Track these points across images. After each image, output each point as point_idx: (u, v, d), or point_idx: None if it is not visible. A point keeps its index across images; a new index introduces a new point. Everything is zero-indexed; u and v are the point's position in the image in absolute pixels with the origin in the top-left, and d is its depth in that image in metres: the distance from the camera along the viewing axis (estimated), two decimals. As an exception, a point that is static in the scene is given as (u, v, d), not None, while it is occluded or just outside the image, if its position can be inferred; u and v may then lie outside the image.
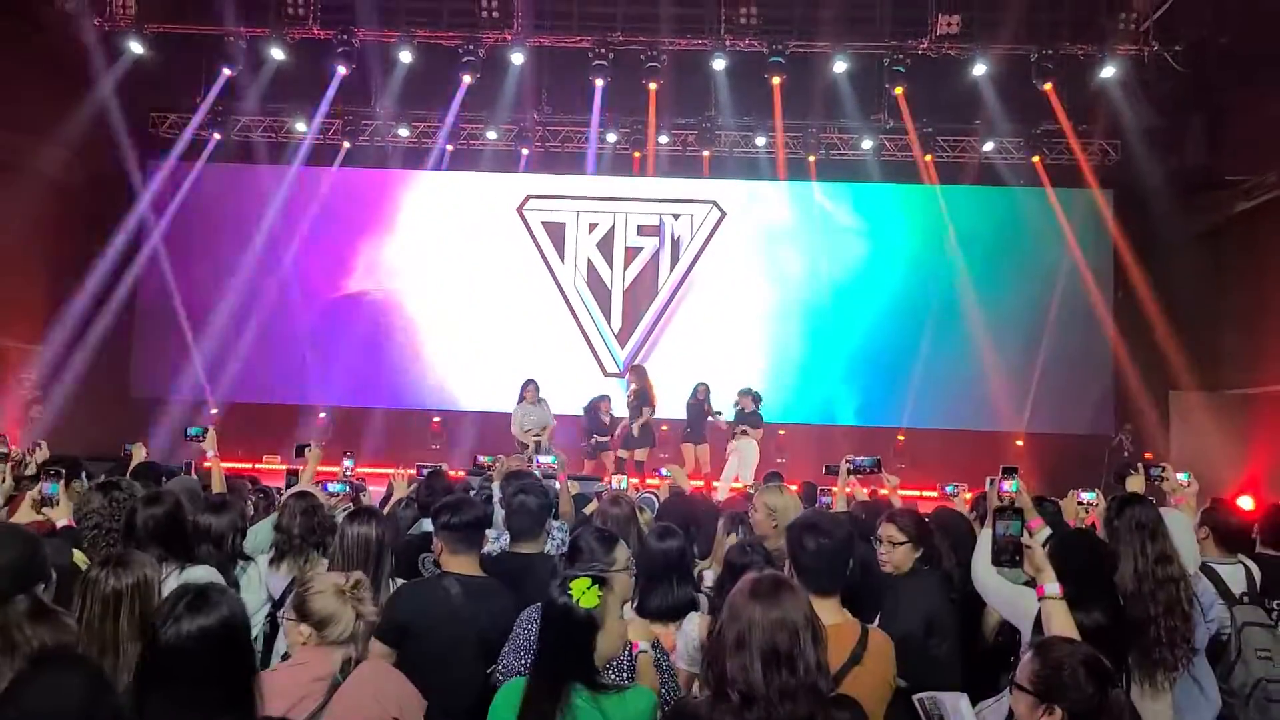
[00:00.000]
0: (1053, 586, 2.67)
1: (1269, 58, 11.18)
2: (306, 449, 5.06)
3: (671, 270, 14.68)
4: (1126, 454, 13.02)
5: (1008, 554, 2.75)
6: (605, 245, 14.73)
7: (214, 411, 14.21)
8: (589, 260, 14.76)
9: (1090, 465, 12.27)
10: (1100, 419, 13.88)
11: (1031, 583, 2.83)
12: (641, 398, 11.64)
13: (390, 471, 5.42)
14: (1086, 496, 4.40)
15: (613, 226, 14.72)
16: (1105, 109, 12.77)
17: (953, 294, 13.89)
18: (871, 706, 2.47)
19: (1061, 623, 2.59)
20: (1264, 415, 11.16)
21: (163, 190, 14.44)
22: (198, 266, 14.44)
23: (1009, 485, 3.25)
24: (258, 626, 3.81)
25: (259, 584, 3.80)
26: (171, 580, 3.29)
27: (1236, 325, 12.16)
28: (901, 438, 13.95)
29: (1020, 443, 13.69)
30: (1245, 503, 8.30)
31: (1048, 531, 3.59)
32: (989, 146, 13.83)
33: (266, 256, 14.38)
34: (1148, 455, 12.73)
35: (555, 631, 2.43)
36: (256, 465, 12.75)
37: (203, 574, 3.29)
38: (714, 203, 14.69)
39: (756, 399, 11.61)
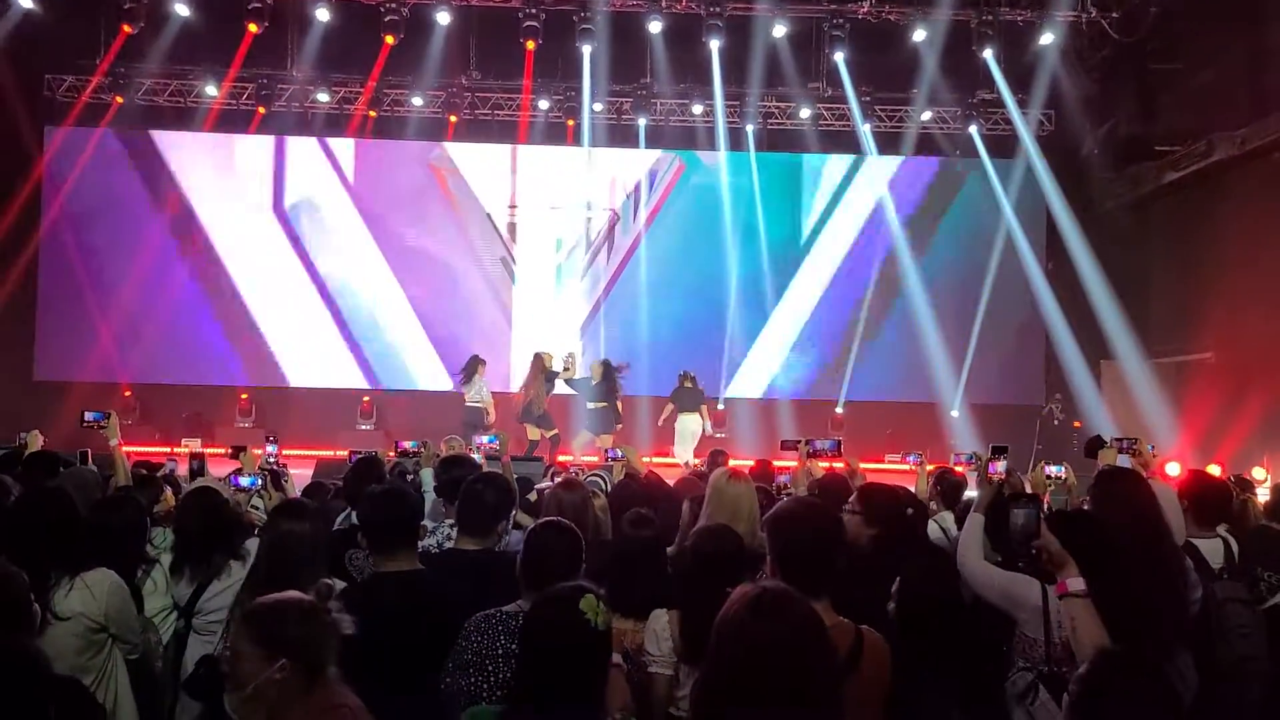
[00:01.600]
0: (1076, 582, 2.41)
1: (1201, 28, 11.27)
2: (243, 452, 4.62)
3: (608, 243, 14.32)
4: (1056, 423, 13.19)
5: (1023, 547, 2.48)
6: (545, 219, 14.27)
7: (127, 394, 13.47)
8: (527, 232, 14.30)
9: (1023, 436, 12.34)
10: (1032, 389, 14.03)
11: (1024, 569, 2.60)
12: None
13: (316, 453, 4.99)
14: (1054, 470, 4.22)
15: (552, 200, 14.26)
16: (1042, 77, 12.75)
17: (890, 265, 13.86)
18: (870, 716, 2.22)
19: (1089, 625, 2.33)
20: (1193, 383, 11.34)
21: (61, 159, 13.51)
22: (102, 240, 13.57)
23: (999, 466, 3.00)
24: (166, 631, 3.41)
25: (164, 588, 3.39)
26: (62, 590, 2.87)
27: (1166, 294, 12.33)
28: (840, 410, 13.90)
29: (955, 414, 13.77)
30: (1172, 469, 8.39)
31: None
32: (927, 116, 13.75)
33: (176, 228, 13.60)
34: (1076, 424, 12.92)
35: (555, 657, 2.00)
36: (174, 450, 12.09)
37: (99, 578, 2.88)
38: (650, 174, 14.35)
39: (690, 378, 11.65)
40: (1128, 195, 12.81)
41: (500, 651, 2.52)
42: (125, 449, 4.55)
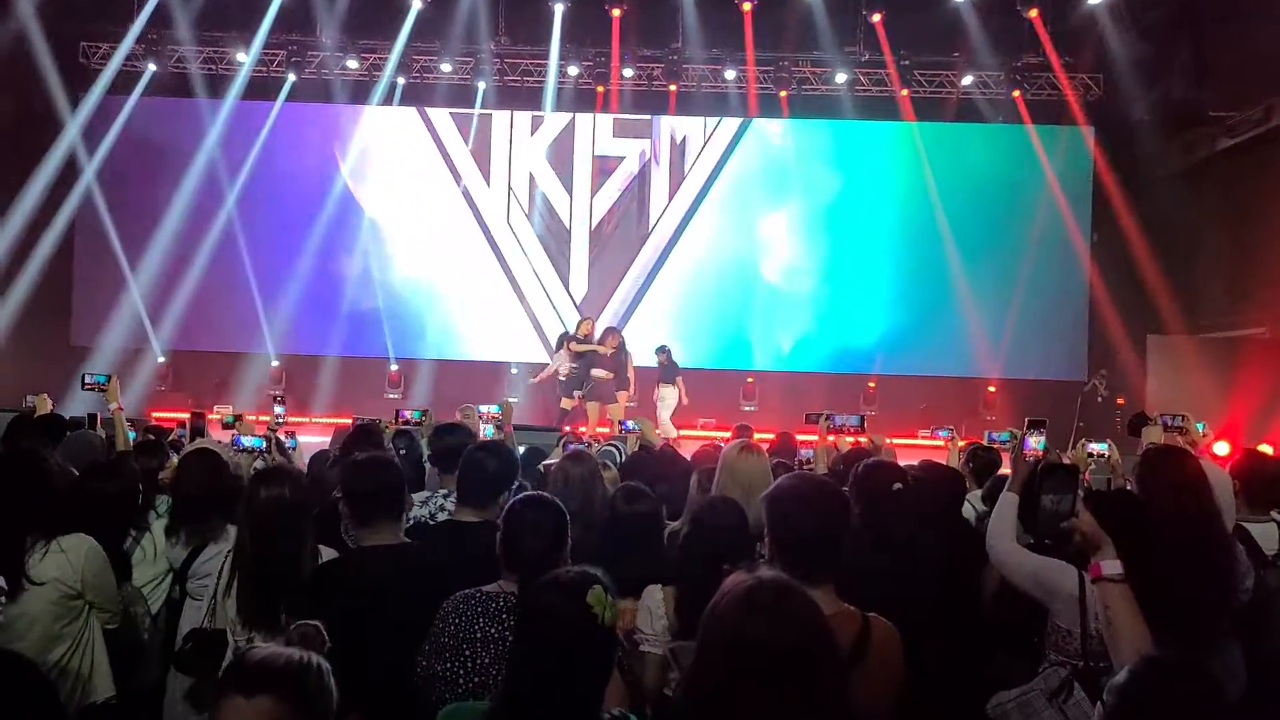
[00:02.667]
0: (1112, 565, 2.17)
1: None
2: (239, 421, 4.51)
3: (637, 212, 14.09)
4: (1100, 399, 12.81)
5: (1051, 525, 2.24)
6: (567, 185, 14.08)
7: (160, 360, 13.57)
8: (551, 201, 14.13)
9: (1063, 413, 11.99)
10: (1074, 363, 13.61)
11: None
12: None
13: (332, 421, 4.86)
14: (1097, 447, 3.95)
15: (574, 167, 14.06)
16: (1091, 39, 12.25)
17: (928, 236, 13.46)
18: (880, 709, 2.01)
19: (1125, 614, 2.11)
20: (1245, 359, 10.88)
21: (96, 126, 13.53)
22: (136, 207, 13.59)
23: (1034, 442, 2.75)
24: (157, 600, 3.31)
25: (154, 555, 3.28)
26: (37, 554, 2.77)
27: (1218, 267, 11.85)
28: (872, 384, 13.61)
29: (993, 389, 13.45)
30: (1221, 448, 8.05)
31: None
32: (968, 80, 13.28)
33: (208, 196, 13.57)
34: (1120, 401, 12.53)
35: (555, 654, 1.78)
36: (207, 417, 12.15)
37: (76, 543, 2.77)
38: (679, 142, 14.07)
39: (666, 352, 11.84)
40: (1179, 163, 12.29)
41: (479, 635, 2.34)
42: (157, 415, 4.47)
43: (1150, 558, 2.21)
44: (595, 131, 14.02)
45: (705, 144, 14.03)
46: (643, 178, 14.07)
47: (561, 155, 14.03)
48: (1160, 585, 2.20)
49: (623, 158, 14.05)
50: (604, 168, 14.08)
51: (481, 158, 14.07)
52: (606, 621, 1.80)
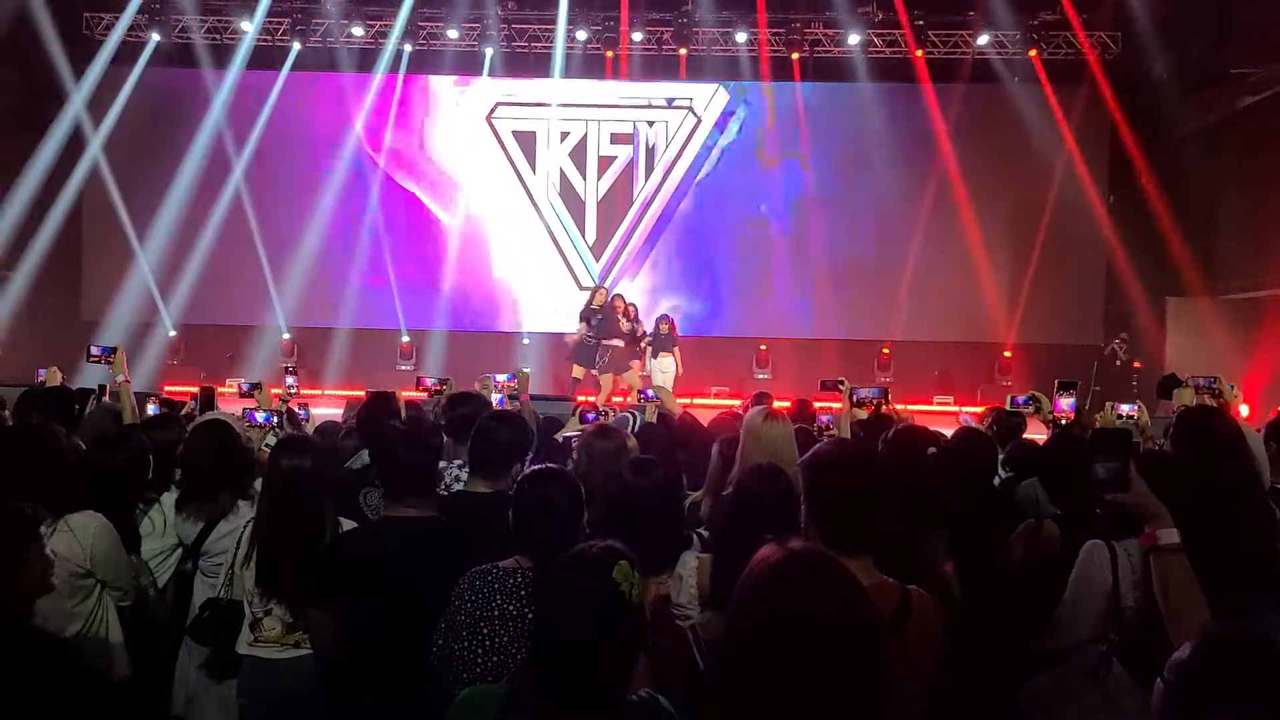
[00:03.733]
0: (1169, 534, 2.07)
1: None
2: (258, 389, 4.45)
3: (646, 179, 13.95)
4: (1119, 363, 12.68)
5: (1100, 497, 2.15)
6: (578, 154, 13.98)
7: (171, 334, 13.55)
8: (561, 170, 14.00)
9: (1079, 376, 11.84)
10: (1091, 328, 13.46)
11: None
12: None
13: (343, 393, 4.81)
14: (1126, 408, 3.84)
15: (585, 135, 13.93)
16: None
17: (943, 200, 13.26)
18: (918, 686, 1.92)
19: (1183, 585, 2.00)
20: (1266, 320, 10.74)
21: (101, 98, 13.41)
22: (143, 179, 13.50)
23: (1065, 403, 2.66)
24: (166, 573, 3.27)
25: (163, 528, 3.23)
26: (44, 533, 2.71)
27: (1238, 227, 11.65)
28: (886, 350, 13.50)
29: (1008, 354, 13.32)
30: (1241, 411, 7.93)
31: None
32: (984, 40, 13.02)
33: (215, 167, 13.46)
34: (1137, 365, 12.40)
35: (580, 634, 1.69)
36: (219, 390, 12.14)
37: (85, 521, 2.72)
38: (690, 108, 13.88)
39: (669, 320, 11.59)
40: (1199, 122, 12.05)
41: (496, 613, 2.27)
42: (169, 389, 4.41)
43: (1197, 523, 2.12)
44: (605, 98, 13.85)
45: (709, 104, 13.83)
46: (651, 143, 13.90)
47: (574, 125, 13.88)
48: (1209, 551, 2.12)
49: (633, 128, 13.88)
50: (614, 135, 13.93)
51: (492, 126, 13.92)
52: (634, 599, 1.73)
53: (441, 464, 3.47)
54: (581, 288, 13.59)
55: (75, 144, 13.13)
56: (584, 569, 1.75)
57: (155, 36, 13.17)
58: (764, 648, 1.40)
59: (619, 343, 11.10)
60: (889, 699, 1.40)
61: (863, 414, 4.62)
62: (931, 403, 12.55)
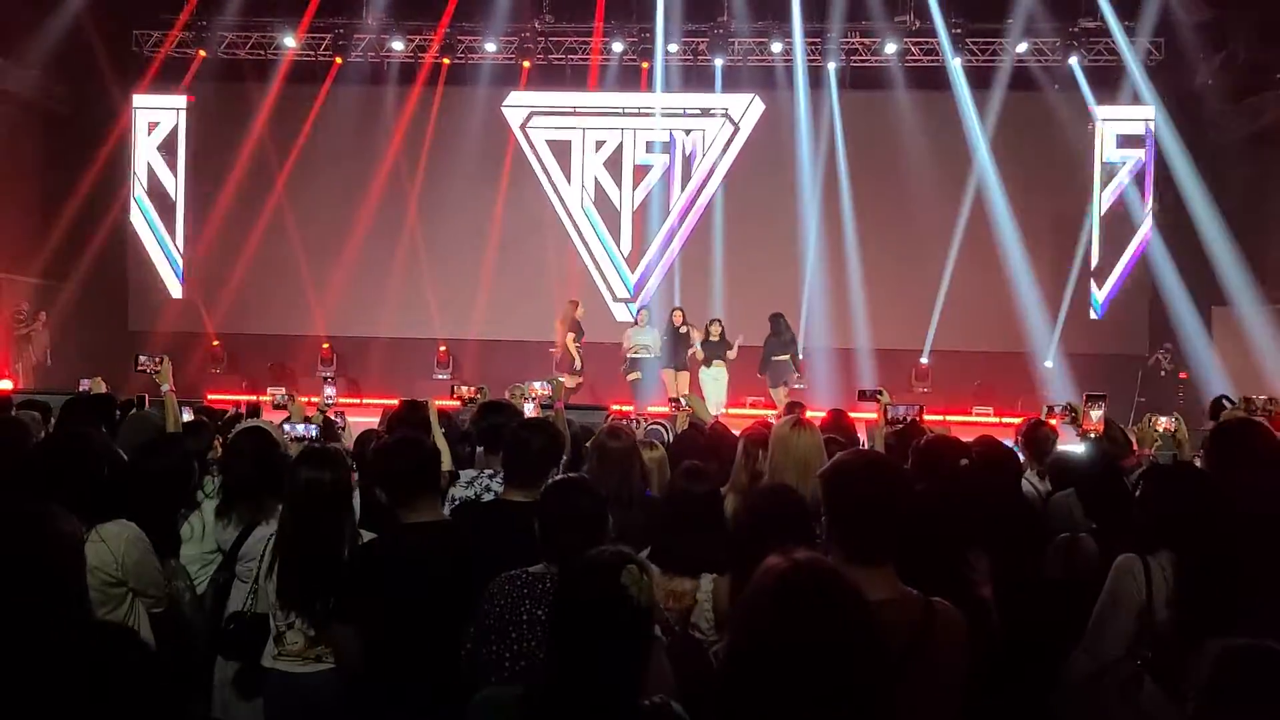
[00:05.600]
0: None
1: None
2: (292, 400, 4.53)
3: (682, 189, 13.96)
4: (1163, 374, 12.44)
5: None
6: (612, 164, 14.02)
7: (215, 344, 13.80)
8: (596, 180, 14.05)
9: (1123, 388, 11.66)
10: (1135, 338, 13.22)
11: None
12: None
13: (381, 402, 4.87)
14: (1164, 421, 3.76)
15: (620, 144, 13.98)
16: (1152, 1, 11.80)
17: (981, 207, 13.10)
18: (940, 704, 1.88)
19: None
20: (1316, 331, 10.50)
21: (150, 113, 13.73)
22: (189, 191, 13.81)
23: (1095, 415, 2.63)
24: (203, 581, 3.32)
25: (202, 534, 3.29)
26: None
27: (1286, 235, 11.42)
28: (925, 360, 13.35)
29: (1049, 364, 13.10)
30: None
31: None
32: (1023, 48, 12.87)
33: (259, 181, 13.71)
34: (1183, 375, 12.16)
35: (589, 635, 1.71)
36: (260, 398, 12.35)
37: (116, 530, 2.76)
38: (727, 117, 13.88)
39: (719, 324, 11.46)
40: (1245, 128, 11.82)
41: (525, 618, 2.29)
42: (212, 397, 4.51)
43: (1218, 539, 2.07)
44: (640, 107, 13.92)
45: (745, 113, 13.82)
46: (689, 151, 13.92)
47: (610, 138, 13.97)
48: (1236, 565, 2.08)
49: (669, 136, 13.93)
50: (650, 144, 13.98)
51: (527, 135, 14.04)
52: (642, 602, 1.74)
53: (473, 472, 3.51)
54: (616, 299, 13.64)
55: (123, 157, 13.46)
56: (593, 572, 1.78)
57: (201, 53, 13.48)
58: (763, 666, 1.39)
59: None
60: (893, 714, 1.38)
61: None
62: (970, 413, 12.39)
